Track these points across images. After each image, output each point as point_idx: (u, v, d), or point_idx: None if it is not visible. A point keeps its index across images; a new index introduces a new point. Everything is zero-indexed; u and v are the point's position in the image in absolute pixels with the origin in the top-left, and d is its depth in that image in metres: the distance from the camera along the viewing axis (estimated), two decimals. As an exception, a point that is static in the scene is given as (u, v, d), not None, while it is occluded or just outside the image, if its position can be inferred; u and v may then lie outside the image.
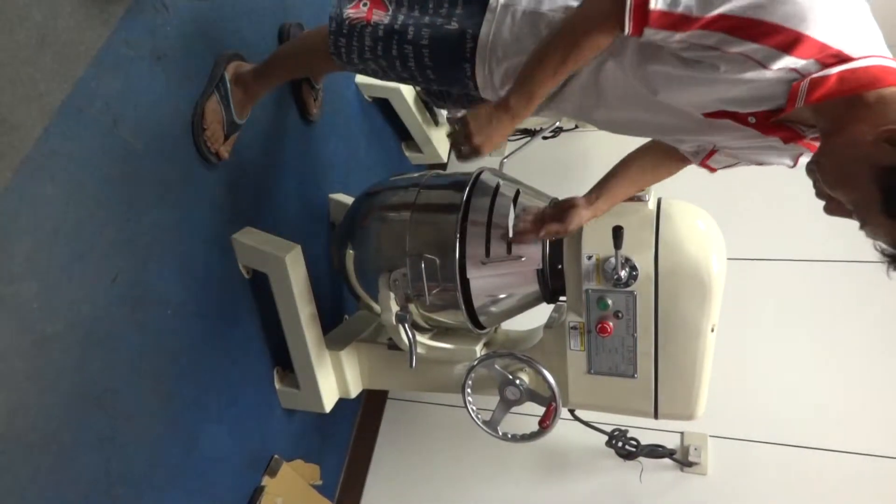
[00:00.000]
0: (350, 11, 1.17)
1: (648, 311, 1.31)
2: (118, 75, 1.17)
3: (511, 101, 1.01)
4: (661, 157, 1.23)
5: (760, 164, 1.10)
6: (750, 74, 0.85)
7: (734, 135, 0.99)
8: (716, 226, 1.35)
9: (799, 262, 2.18)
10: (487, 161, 2.58)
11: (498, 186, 1.45)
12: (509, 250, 1.38)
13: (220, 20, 1.44)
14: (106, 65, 1.14)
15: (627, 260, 1.29)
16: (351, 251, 1.54)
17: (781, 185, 2.33)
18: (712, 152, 1.12)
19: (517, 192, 1.44)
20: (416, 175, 1.59)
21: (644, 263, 1.28)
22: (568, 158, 2.63)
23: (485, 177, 1.49)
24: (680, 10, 0.83)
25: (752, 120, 0.93)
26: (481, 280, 1.40)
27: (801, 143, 0.95)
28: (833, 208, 0.90)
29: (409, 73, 1.18)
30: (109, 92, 1.15)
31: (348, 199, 1.92)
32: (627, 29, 0.87)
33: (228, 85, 1.40)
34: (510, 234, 1.38)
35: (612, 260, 1.28)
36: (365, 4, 1.17)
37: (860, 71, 0.81)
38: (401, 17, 1.14)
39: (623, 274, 1.29)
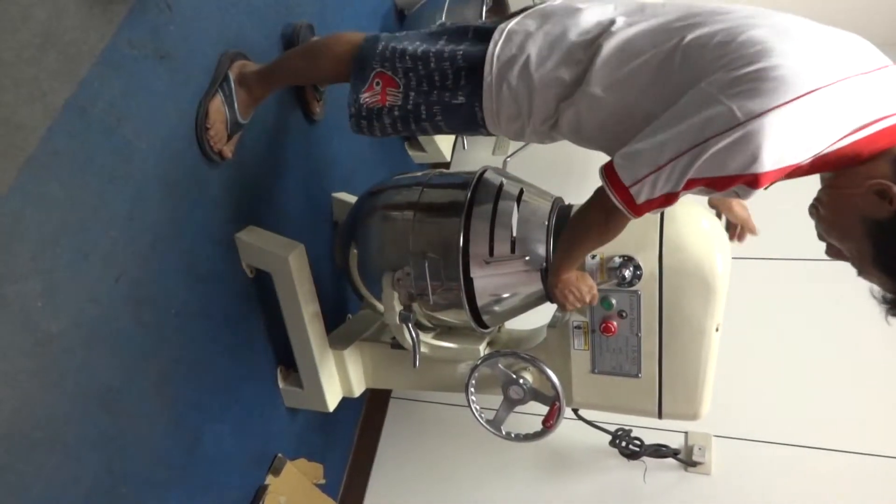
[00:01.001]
0: (365, 96, 1.25)
1: (652, 310, 1.31)
2: (122, 75, 1.17)
3: (552, 279, 1.25)
4: None
5: None
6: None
7: None
8: (720, 225, 1.35)
9: (804, 261, 2.17)
10: (491, 160, 2.58)
11: (501, 185, 1.45)
12: (513, 249, 1.37)
13: (223, 19, 1.44)
14: (109, 64, 1.14)
15: (631, 259, 1.29)
16: (354, 250, 1.54)
17: (786, 185, 2.33)
18: None
19: (521, 191, 1.44)
20: (419, 174, 1.58)
21: (648, 263, 1.28)
22: (571, 157, 2.62)
23: (488, 176, 1.49)
24: (658, 193, 0.93)
25: None
26: (485, 279, 1.40)
27: None
28: (833, 252, 0.98)
29: (421, 128, 1.26)
30: (113, 91, 1.15)
31: (351, 198, 1.92)
32: (631, 217, 0.99)
33: (232, 85, 1.40)
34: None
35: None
36: (378, 84, 1.24)
37: (830, 156, 0.87)
38: (412, 95, 1.21)
39: (627, 273, 1.28)
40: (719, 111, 0.84)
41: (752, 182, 0.86)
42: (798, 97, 0.81)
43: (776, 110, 0.81)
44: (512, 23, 1.15)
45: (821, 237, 0.99)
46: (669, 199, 0.94)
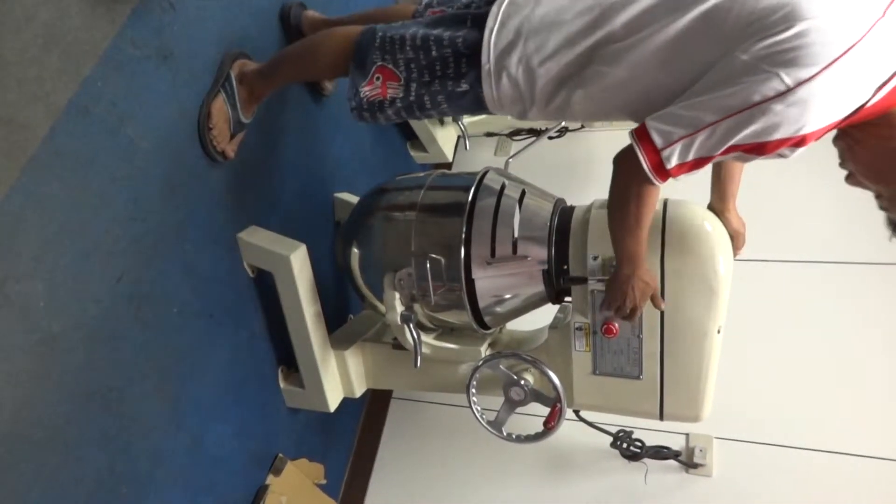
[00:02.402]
0: (366, 90, 1.24)
1: (654, 312, 1.31)
2: (124, 74, 1.17)
3: (626, 271, 1.18)
4: None
5: None
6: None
7: None
8: (722, 227, 1.34)
9: (806, 263, 2.17)
10: (493, 160, 2.57)
11: (503, 186, 1.44)
12: (514, 250, 1.37)
13: (226, 19, 1.44)
14: (112, 64, 1.14)
15: (633, 261, 1.28)
16: (356, 250, 1.54)
17: (788, 187, 2.32)
18: None
19: (522, 193, 1.44)
20: (421, 174, 1.58)
21: (650, 265, 1.28)
22: (573, 158, 2.62)
23: (490, 177, 1.49)
24: (690, 157, 0.94)
25: None
26: (486, 280, 1.40)
27: None
28: (854, 181, 1.02)
29: (426, 112, 1.25)
30: (116, 91, 1.15)
31: (353, 198, 1.92)
32: (657, 183, 0.99)
33: (234, 84, 1.40)
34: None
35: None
36: (378, 78, 1.23)
37: (867, 109, 0.89)
38: (414, 87, 1.21)
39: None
40: (765, 78, 0.86)
41: (800, 143, 0.90)
42: (839, 57, 0.84)
43: (822, 73, 0.84)
44: (505, 4, 1.13)
45: (843, 165, 1.04)
46: (699, 164, 0.95)
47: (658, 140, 0.94)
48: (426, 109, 1.22)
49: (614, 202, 1.09)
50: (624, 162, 1.01)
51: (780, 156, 0.95)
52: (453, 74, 1.17)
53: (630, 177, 1.01)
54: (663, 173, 0.96)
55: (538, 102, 1.13)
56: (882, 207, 1.03)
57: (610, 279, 1.24)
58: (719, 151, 0.92)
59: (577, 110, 1.12)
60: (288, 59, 1.44)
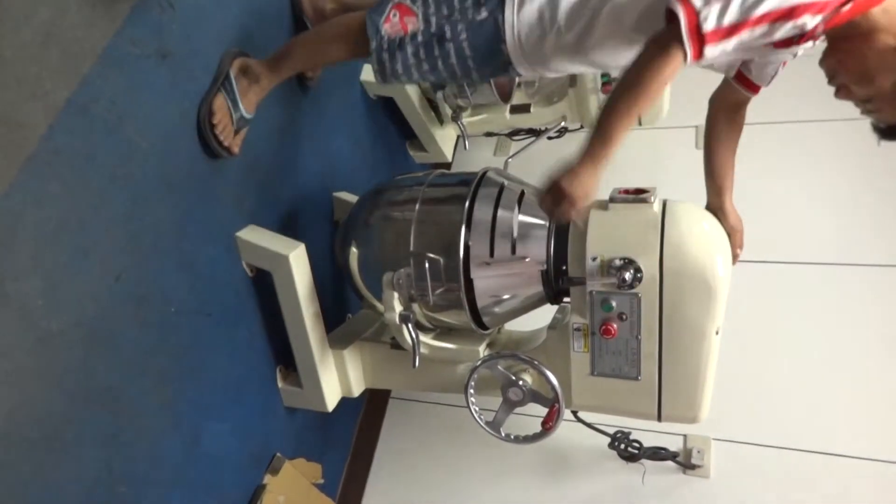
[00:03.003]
0: (386, 28, 1.28)
1: (653, 313, 1.31)
2: (124, 73, 1.17)
3: (594, 149, 1.09)
4: (728, 114, 1.36)
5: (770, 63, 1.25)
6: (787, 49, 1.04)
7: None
8: (720, 228, 1.35)
9: (804, 264, 2.18)
10: (492, 160, 2.57)
11: (503, 186, 1.44)
12: (513, 251, 1.37)
13: (226, 18, 1.44)
14: (111, 63, 1.14)
15: (632, 262, 1.29)
16: (355, 250, 1.54)
17: (786, 189, 2.33)
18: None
19: (522, 193, 1.44)
20: (420, 174, 1.58)
21: (648, 265, 1.28)
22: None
23: (490, 176, 1.49)
24: (726, 22, 0.97)
25: None
26: (485, 280, 1.40)
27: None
28: (844, 93, 1.09)
29: (450, 69, 1.28)
30: (115, 90, 1.15)
31: (353, 198, 1.92)
32: (689, 54, 0.99)
33: (234, 82, 1.40)
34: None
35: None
36: (395, 15, 1.27)
37: (846, 14, 0.98)
38: (433, 20, 1.25)
39: (627, 276, 1.28)
40: None
41: (822, 9, 0.96)
42: None
43: None
44: None
45: (832, 81, 1.10)
46: (732, 31, 0.97)
47: (697, 1, 0.98)
48: (446, 42, 1.24)
49: (629, 68, 1.06)
50: (656, 37, 1.03)
51: (794, 56, 1.07)
52: (471, 4, 1.21)
53: (659, 46, 1.02)
54: (697, 40, 0.98)
55: (559, 26, 1.16)
56: (869, 111, 1.10)
57: (567, 162, 1.12)
58: (754, 16, 0.96)
59: (598, 35, 1.16)
60: (297, 44, 1.46)
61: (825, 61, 1.10)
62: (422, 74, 1.31)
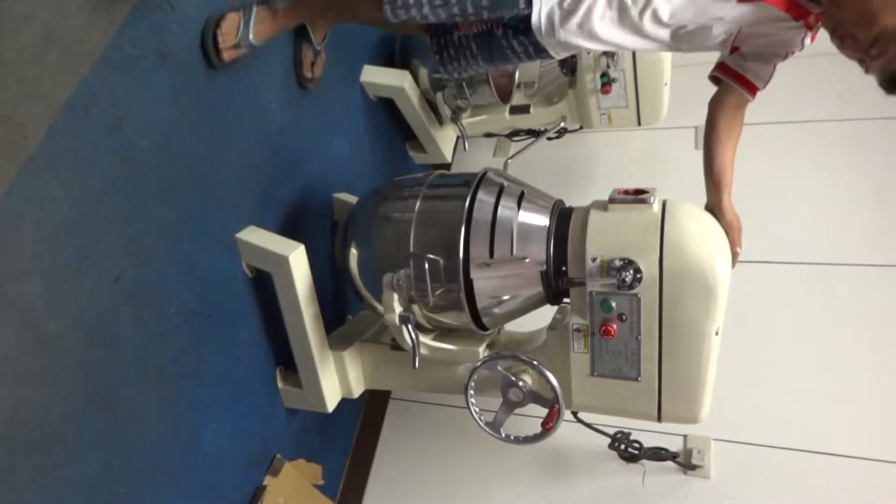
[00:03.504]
0: None
1: (652, 313, 1.31)
2: (123, 74, 1.17)
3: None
4: (727, 116, 1.38)
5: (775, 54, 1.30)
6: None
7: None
8: (720, 228, 1.34)
9: (804, 265, 2.18)
10: (492, 161, 2.57)
11: (502, 187, 1.44)
12: (513, 251, 1.37)
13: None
14: (111, 63, 1.14)
15: (631, 262, 1.29)
16: (354, 251, 1.54)
17: (786, 189, 2.33)
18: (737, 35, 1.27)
19: (521, 193, 1.44)
20: (420, 175, 1.58)
21: (648, 266, 1.28)
22: (572, 159, 2.62)
23: (489, 177, 1.48)
24: None
25: None
26: (485, 281, 1.40)
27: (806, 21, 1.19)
28: (850, 43, 1.14)
29: (461, 5, 1.26)
30: (115, 91, 1.15)
31: (352, 199, 1.92)
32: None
33: (254, 8, 1.40)
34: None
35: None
36: None
37: None
38: None
39: (627, 276, 1.28)
40: None
41: None
42: None
43: None
44: None
45: (834, 36, 1.16)
46: None
47: None
48: None
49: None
50: None
51: (802, 43, 1.19)
52: None
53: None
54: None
55: None
56: (875, 57, 1.10)
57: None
58: None
59: None
60: None
61: (826, 22, 1.16)
62: (432, 9, 1.28)
